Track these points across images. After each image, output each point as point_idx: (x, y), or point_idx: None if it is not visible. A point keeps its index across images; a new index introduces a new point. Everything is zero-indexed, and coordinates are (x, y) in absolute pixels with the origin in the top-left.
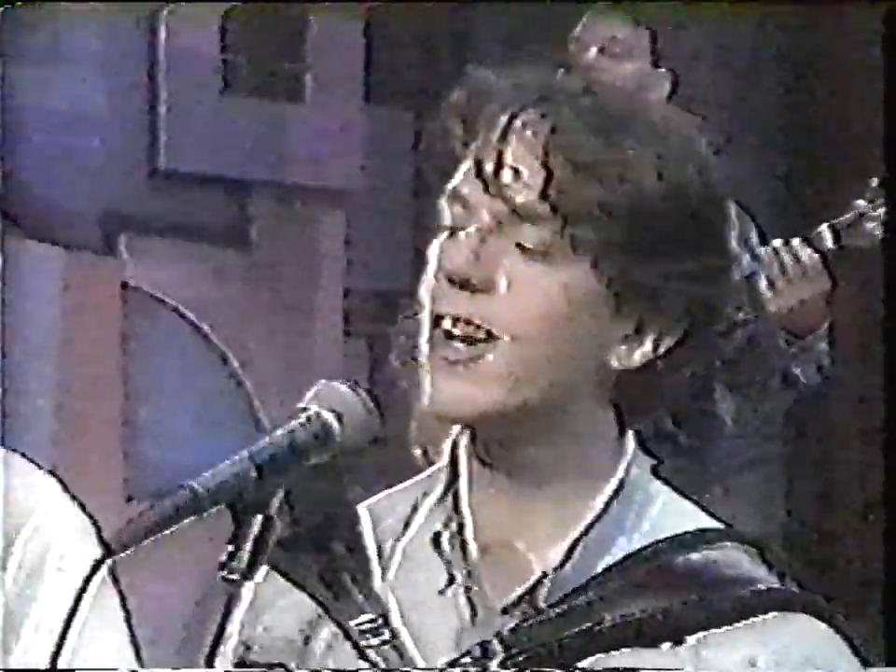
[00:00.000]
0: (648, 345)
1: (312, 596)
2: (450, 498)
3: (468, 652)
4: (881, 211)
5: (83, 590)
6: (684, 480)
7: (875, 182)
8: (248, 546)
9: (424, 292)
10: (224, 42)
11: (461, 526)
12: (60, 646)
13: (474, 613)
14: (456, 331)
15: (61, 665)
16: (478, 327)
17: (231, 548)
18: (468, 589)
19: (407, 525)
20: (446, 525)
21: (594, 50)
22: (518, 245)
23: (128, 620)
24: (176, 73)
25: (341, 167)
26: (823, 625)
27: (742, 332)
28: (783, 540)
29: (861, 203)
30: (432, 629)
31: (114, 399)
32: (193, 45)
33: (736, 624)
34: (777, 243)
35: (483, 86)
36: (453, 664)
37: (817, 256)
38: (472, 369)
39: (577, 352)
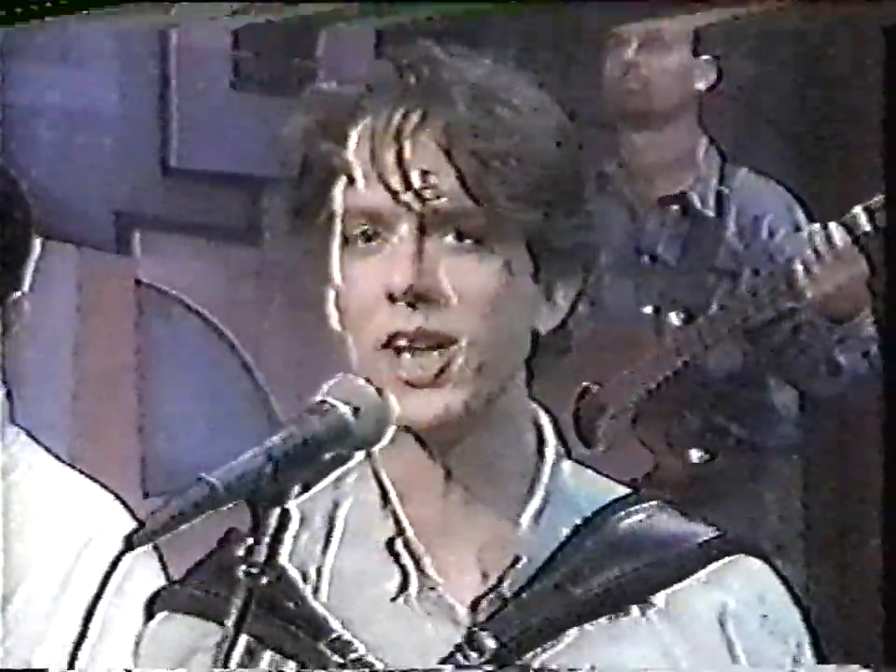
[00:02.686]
0: (560, 303)
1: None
2: (388, 507)
3: (458, 649)
4: None
5: (104, 585)
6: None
7: None
8: (266, 540)
9: (356, 315)
10: (235, 39)
11: (402, 530)
12: (81, 639)
13: (433, 614)
14: (419, 345)
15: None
16: (438, 335)
17: (249, 542)
18: (423, 591)
19: (328, 540)
20: (398, 531)
21: (634, 45)
22: (451, 242)
23: None
24: (188, 70)
25: None
26: (760, 562)
27: (788, 323)
28: (802, 535)
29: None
30: (392, 638)
31: (129, 395)
32: (204, 42)
33: (694, 577)
34: (815, 227)
35: (337, 100)
36: (444, 662)
37: (849, 239)
38: (441, 378)
39: (519, 330)
